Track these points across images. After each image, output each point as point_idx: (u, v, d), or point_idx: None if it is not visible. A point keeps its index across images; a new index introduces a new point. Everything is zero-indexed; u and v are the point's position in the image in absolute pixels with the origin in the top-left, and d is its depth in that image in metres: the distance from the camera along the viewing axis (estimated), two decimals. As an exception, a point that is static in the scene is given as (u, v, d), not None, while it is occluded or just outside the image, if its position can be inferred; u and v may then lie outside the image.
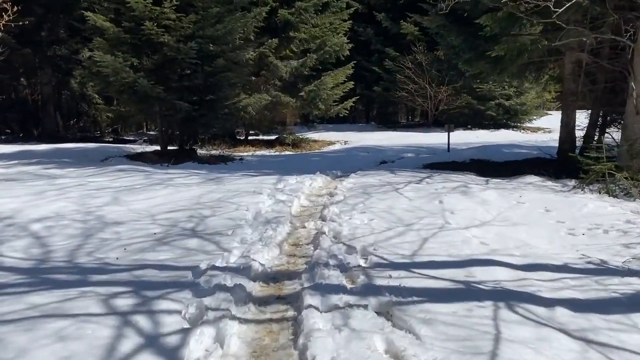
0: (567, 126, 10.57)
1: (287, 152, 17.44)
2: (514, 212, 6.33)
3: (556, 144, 17.01)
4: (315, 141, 19.90)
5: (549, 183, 8.62)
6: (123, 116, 15.67)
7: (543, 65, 10.90)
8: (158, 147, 14.39)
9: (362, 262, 4.61)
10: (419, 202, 6.72)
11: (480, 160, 12.77)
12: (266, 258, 4.81)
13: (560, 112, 10.72)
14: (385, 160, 14.20)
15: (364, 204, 6.67)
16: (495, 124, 24.85)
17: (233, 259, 4.63)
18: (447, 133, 14.68)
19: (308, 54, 18.03)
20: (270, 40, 17.02)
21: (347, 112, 20.66)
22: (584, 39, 9.31)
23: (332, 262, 4.53)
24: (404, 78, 24.33)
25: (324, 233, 5.50)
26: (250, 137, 20.70)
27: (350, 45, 19.27)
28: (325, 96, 18.50)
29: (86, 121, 25.11)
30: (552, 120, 27.95)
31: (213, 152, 16.60)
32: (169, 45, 12.07)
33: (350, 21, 21.37)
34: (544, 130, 25.08)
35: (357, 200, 6.82)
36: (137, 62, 12.35)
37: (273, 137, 20.17)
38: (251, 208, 6.43)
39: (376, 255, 4.73)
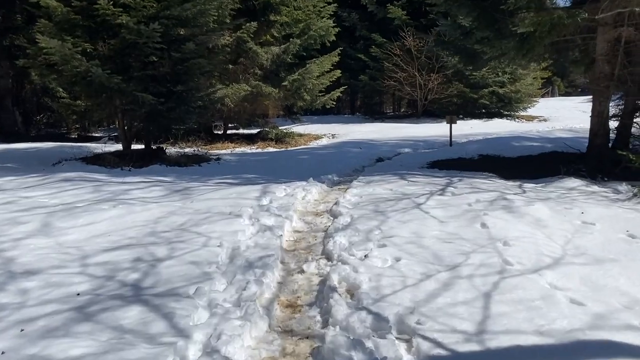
0: (600, 116, 8.82)
1: (270, 149, 15.48)
2: (586, 240, 4.53)
3: (563, 135, 15.45)
4: (300, 135, 17.95)
5: (597, 188, 6.85)
6: (82, 112, 13.53)
7: (570, 44, 9.11)
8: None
9: (405, 354, 2.76)
10: (454, 225, 4.87)
11: (490, 157, 11.01)
12: (247, 345, 2.92)
13: (592, 99, 8.99)
14: (381, 158, 12.36)
15: (380, 229, 4.80)
16: (488, 113, 23.21)
17: (192, 357, 2.74)
18: (449, 125, 12.88)
19: (291, 39, 16.03)
20: (248, 24, 14.97)
21: (334, 103, 18.74)
22: (627, 10, 7.56)
23: (356, 357, 2.67)
24: (391, 66, 22.47)
25: (334, 287, 3.62)
26: (229, 132, 18.68)
27: (337, 30, 17.29)
28: (311, 86, 16.54)
29: (52, 117, 22.77)
30: (544, 109, 26.47)
31: (187, 150, 14.56)
32: (129, 27, 9.99)
33: (335, 4, 19.41)
34: (539, 118, 23.50)
35: (371, 225, 4.94)
36: (90, 48, 10.26)
37: (254, 131, 18.17)
38: (226, 242, 4.50)
39: (424, 337, 2.88)
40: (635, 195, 6.23)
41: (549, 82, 36.03)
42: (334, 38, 17.31)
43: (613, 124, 9.51)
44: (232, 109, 16.03)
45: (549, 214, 5.23)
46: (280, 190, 6.65)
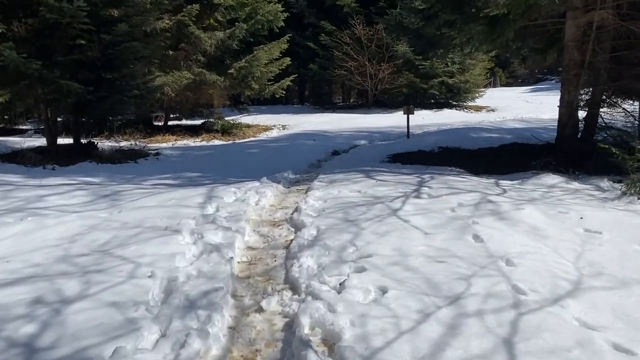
0: (569, 106, 8.23)
1: (216, 142, 14.26)
2: (598, 254, 3.76)
3: (517, 125, 15.06)
4: (248, 127, 16.77)
5: (578, 185, 6.19)
6: (5, 102, 11.84)
7: (539, 29, 8.46)
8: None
9: None
10: (442, 237, 3.99)
11: (451, 149, 10.33)
12: None
13: (560, 87, 8.40)
14: (337, 151, 11.46)
15: (354, 245, 3.86)
16: (437, 104, 22.75)
17: None
18: (406, 116, 12.12)
19: (236, 24, 14.80)
20: (190, 6, 13.64)
21: (284, 92, 17.65)
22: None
23: None
24: (342, 55, 21.59)
25: (306, 339, 2.65)
26: (170, 123, 17.24)
27: (285, 15, 16.18)
28: (259, 74, 15.38)
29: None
30: (489, 99, 26.31)
31: (123, 144, 13.13)
32: (49, 4, 8.57)
33: (282, -11, 18.29)
34: (487, 109, 23.30)
35: (342, 239, 3.99)
36: (3, 29, 8.77)
37: (198, 122, 16.84)
38: (160, 271, 3.43)
39: None
40: (624, 193, 5.59)
41: (492, 73, 36.23)
42: (282, 24, 16.21)
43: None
44: (173, 99, 14.68)
45: (544, 220, 4.45)
46: (228, 194, 5.59)
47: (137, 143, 13.47)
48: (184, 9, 13.74)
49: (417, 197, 5.15)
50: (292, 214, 4.95)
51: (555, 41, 8.65)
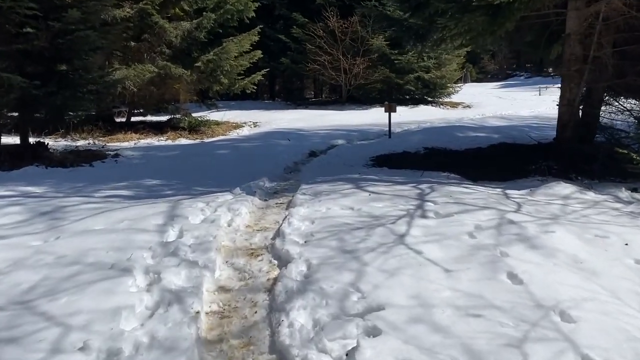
0: (571, 105, 7.50)
1: (182, 140, 13.11)
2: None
3: (498, 123, 14.41)
4: (217, 124, 15.63)
5: (594, 196, 5.42)
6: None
7: (539, 21, 7.69)
8: None
9: None
10: (470, 277, 3.10)
11: (438, 150, 9.54)
12: None
13: (560, 84, 7.66)
14: (315, 152, 10.52)
15: (359, 290, 2.93)
16: (412, 99, 22.03)
17: None
18: (387, 114, 11.27)
19: (204, 13, 13.64)
20: (153, -6, 12.45)
21: (255, 87, 16.57)
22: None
23: None
24: (315, 48, 20.60)
25: None
26: (134, 119, 15.95)
27: (257, 4, 15.09)
28: (229, 67, 14.26)
29: None
30: (462, 95, 25.73)
31: (79, 143, 11.91)
32: (-16, -16, 7.38)
33: (252, -22, 17.13)
34: (463, 105, 22.72)
35: (342, 280, 3.06)
36: None
37: (164, 119, 15.60)
38: (97, 340, 2.41)
39: None
40: (653, 206, 4.85)
41: (462, 68, 35.85)
42: (253, 14, 15.11)
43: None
44: (136, 94, 13.47)
45: (582, 247, 3.63)
46: (195, 212, 4.58)
47: (96, 142, 12.26)
48: (146, -3, 12.54)
49: (423, 216, 4.26)
50: (274, 239, 3.98)
51: (554, 34, 7.90)
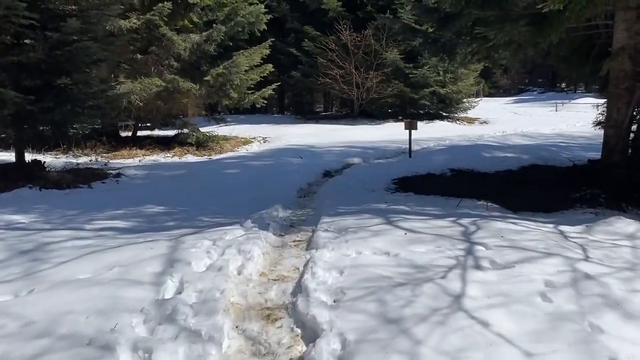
0: (618, 127, 6.72)
1: (189, 157, 12.44)
2: None
3: (523, 141, 13.57)
4: (226, 139, 14.96)
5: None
6: None
7: (587, 33, 6.94)
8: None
9: None
10: (558, 363, 2.34)
11: (465, 172, 8.75)
12: None
13: (606, 104, 6.91)
14: (329, 171, 9.78)
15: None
16: (427, 115, 21.30)
17: None
18: (407, 131, 10.51)
19: (214, 25, 13.03)
20: (161, 4, 11.84)
21: (265, 102, 15.90)
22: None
23: None
24: (326, 62, 19.97)
25: None
26: (140, 133, 15.35)
27: (268, 17, 14.48)
28: (238, 81, 13.61)
29: None
30: (477, 110, 24.93)
31: (81, 160, 11.26)
32: (-24, -9, 6.75)
33: (264, -10, 16.55)
34: (479, 120, 21.95)
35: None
36: None
37: (172, 133, 14.95)
38: None
39: None
40: None
41: (479, 83, 35.16)
42: (264, 27, 14.47)
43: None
44: (142, 108, 12.82)
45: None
46: (199, 255, 3.81)
47: (99, 159, 11.62)
48: (155, 7, 11.94)
49: (477, 266, 3.47)
50: (295, 296, 3.20)
51: (599, 47, 7.13)
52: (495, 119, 22.52)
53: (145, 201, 6.49)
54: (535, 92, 43.57)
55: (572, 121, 20.21)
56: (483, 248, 3.85)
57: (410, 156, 10.38)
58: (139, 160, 11.85)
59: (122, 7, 10.52)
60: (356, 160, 11.07)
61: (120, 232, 4.76)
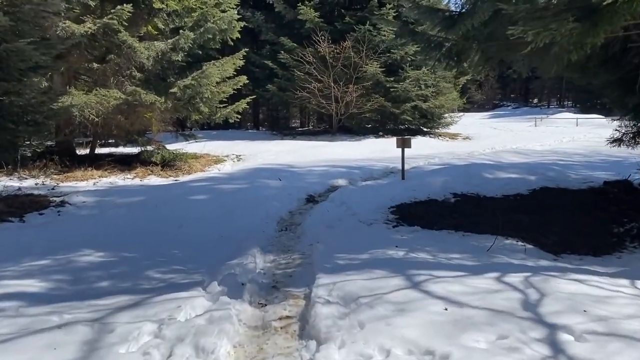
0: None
1: (153, 179, 10.86)
2: None
3: (518, 159, 12.37)
4: (196, 157, 13.43)
5: None
6: None
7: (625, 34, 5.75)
8: None
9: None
10: None
11: (470, 198, 7.49)
12: None
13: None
14: (313, 196, 8.41)
15: None
16: (408, 130, 20.15)
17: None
18: (400, 149, 9.22)
19: (181, 31, 11.56)
20: (120, 7, 10.34)
21: (240, 117, 14.45)
22: None
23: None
24: (303, 75, 18.65)
25: None
26: (100, 151, 13.71)
27: (242, 24, 13.08)
28: (209, 94, 12.13)
29: None
30: (457, 125, 23.90)
31: (27, 183, 9.62)
32: None
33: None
34: (461, 136, 20.92)
35: None
36: None
37: (135, 151, 13.36)
38: None
39: None
40: None
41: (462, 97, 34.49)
42: (238, 35, 13.07)
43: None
44: (99, 124, 11.20)
45: None
46: None
47: (47, 182, 9.95)
48: (113, 11, 10.42)
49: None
50: None
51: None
52: (477, 135, 21.54)
53: (83, 243, 4.97)
54: (509, 107, 43.23)
55: (558, 137, 19.32)
56: (571, 337, 2.49)
57: (403, 177, 9.06)
58: (94, 183, 10.25)
59: (68, 5, 9.04)
60: (341, 182, 9.70)
61: (29, 302, 3.25)
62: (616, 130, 8.16)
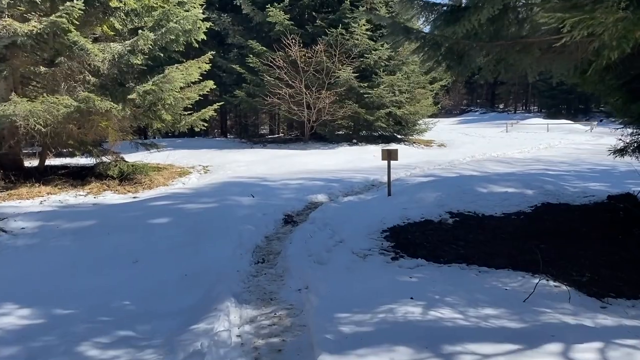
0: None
1: (108, 196, 9.64)
2: None
3: (501, 168, 11.68)
4: (159, 169, 12.22)
5: None
6: None
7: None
8: None
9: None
10: None
11: (469, 218, 6.63)
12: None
13: None
14: (291, 216, 7.41)
15: None
16: (382, 137, 19.40)
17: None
18: (387, 162, 8.30)
19: (140, 32, 10.37)
20: (70, 3, 9.12)
21: (205, 124, 13.30)
22: None
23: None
24: (274, 80, 17.63)
25: None
26: (52, 162, 12.38)
27: (208, 25, 11.95)
28: (172, 101, 10.96)
29: None
30: (433, 133, 23.20)
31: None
32: None
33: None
34: (436, 143, 20.27)
35: None
36: None
37: (92, 163, 12.06)
38: None
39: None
40: None
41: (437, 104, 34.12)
42: (204, 36, 11.95)
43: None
44: (49, 133, 9.91)
45: None
46: None
47: (-17, 201, 8.64)
48: (62, 8, 9.19)
49: None
50: None
51: None
52: (451, 142, 20.95)
53: (7, 293, 3.84)
54: (477, 113, 43.16)
55: (534, 143, 18.86)
56: None
57: (389, 194, 8.14)
58: (41, 202, 8.99)
59: (11, 1, 7.80)
60: (320, 197, 8.73)
61: None
62: (619, 139, 7.46)
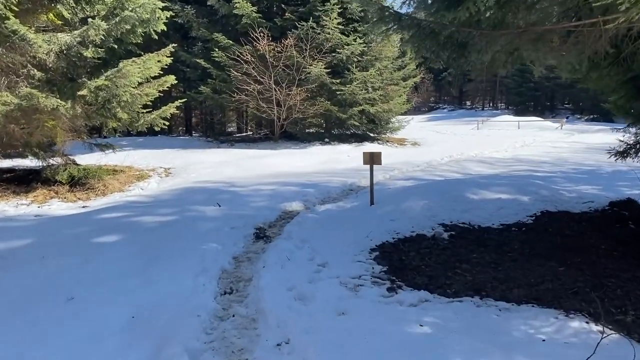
0: None
1: (55, 205, 8.47)
2: None
3: (483, 169, 10.99)
4: (114, 172, 11.03)
5: None
6: None
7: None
8: None
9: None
10: None
11: (464, 230, 5.84)
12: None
13: None
14: (263, 229, 6.46)
15: None
16: (355, 136, 18.61)
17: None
18: (369, 167, 7.43)
19: (90, 21, 9.17)
20: (5, -14, 7.88)
21: (167, 123, 12.15)
22: None
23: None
24: (241, 75, 16.55)
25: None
26: (-4, 166, 11.06)
27: (168, 14, 10.80)
28: (128, 97, 9.79)
29: None
30: (405, 130, 22.57)
31: None
32: None
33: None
34: (410, 142, 19.60)
35: None
36: None
37: (38, 166, 10.77)
38: None
39: None
40: None
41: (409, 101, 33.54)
42: (163, 27, 10.79)
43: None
44: (-16, 135, 8.66)
45: None
46: None
47: None
48: (-4, -9, 7.95)
49: None
50: None
51: None
52: (424, 140, 20.33)
53: None
54: (445, 110, 42.92)
55: (509, 142, 18.40)
56: None
57: (372, 202, 7.26)
58: (-27, 214, 7.75)
59: None
60: (295, 205, 7.80)
61: None
62: (621, 141, 6.81)
